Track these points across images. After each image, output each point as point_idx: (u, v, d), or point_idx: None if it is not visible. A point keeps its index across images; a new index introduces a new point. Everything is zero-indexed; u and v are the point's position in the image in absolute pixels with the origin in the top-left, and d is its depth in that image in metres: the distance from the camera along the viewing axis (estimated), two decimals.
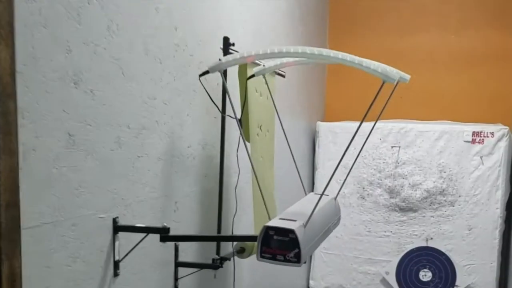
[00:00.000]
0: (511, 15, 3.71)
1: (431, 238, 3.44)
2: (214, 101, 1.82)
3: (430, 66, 3.84)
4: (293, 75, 3.05)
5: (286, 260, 1.05)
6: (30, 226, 1.11)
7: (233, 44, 1.80)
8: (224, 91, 1.82)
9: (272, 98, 1.65)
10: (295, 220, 1.06)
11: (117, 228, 1.40)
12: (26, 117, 1.10)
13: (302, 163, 3.49)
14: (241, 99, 1.83)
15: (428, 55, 3.86)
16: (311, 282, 3.69)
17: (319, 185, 3.61)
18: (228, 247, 1.95)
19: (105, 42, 1.35)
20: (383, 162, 3.47)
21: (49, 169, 1.17)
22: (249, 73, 1.85)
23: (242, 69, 1.81)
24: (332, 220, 1.36)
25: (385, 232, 3.52)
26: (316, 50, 1.12)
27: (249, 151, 1.90)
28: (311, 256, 3.69)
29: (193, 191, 1.88)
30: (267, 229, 1.05)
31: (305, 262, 1.07)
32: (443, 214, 3.40)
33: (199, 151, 1.91)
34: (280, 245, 1.04)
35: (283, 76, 2.21)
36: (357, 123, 3.68)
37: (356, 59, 1.10)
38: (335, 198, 1.50)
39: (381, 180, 3.48)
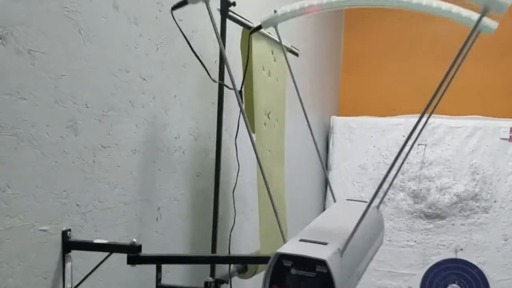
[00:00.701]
0: None
1: (461, 249, 3.09)
2: (211, 77, 1.42)
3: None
4: (305, 63, 2.67)
5: None
6: None
7: (234, 4, 1.40)
8: (222, 59, 1.42)
9: (290, 71, 1.24)
10: (325, 244, 0.65)
11: (69, 244, 1.01)
12: None
13: (313, 162, 3.09)
14: (243, 65, 1.45)
15: (457, 42, 3.45)
16: None
17: (333, 188, 3.21)
18: (226, 266, 1.55)
19: None
20: (407, 163, 3.10)
21: None
22: (255, 47, 1.46)
23: (245, 37, 1.42)
24: (376, 241, 0.96)
25: (408, 241, 3.17)
26: None
27: (254, 143, 1.51)
28: None
29: (182, 194, 1.49)
30: (281, 258, 0.65)
31: None
32: (475, 222, 3.05)
33: (191, 144, 1.52)
34: (301, 283, 0.64)
35: (296, 54, 1.82)
36: (377, 119, 3.27)
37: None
38: (378, 207, 1.10)
39: (404, 182, 3.12)
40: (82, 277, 1.04)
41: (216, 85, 1.47)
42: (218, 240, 1.49)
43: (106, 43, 1.12)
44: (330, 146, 3.29)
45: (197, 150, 1.56)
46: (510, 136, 2.94)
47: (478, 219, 3.04)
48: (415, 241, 3.15)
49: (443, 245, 3.11)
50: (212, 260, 1.32)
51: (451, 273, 3.09)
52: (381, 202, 1.10)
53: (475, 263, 3.04)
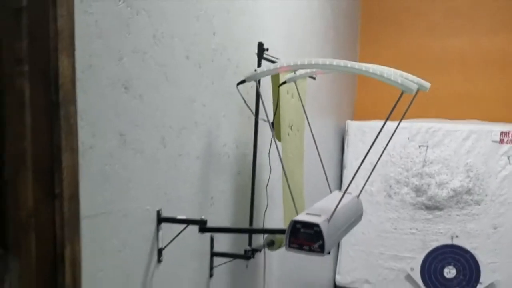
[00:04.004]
0: None
1: (457, 236, 3.50)
2: (248, 103, 1.94)
3: (460, 67, 3.92)
4: (324, 75, 3.15)
5: (311, 250, 1.16)
6: (87, 215, 1.25)
7: (267, 49, 1.91)
8: (258, 96, 1.93)
9: (302, 102, 1.76)
10: (319, 215, 1.17)
11: (161, 219, 1.54)
12: (84, 119, 1.24)
13: (330, 162, 3.58)
14: (273, 103, 1.95)
15: (459, 56, 3.93)
16: (337, 276, 3.80)
17: (348, 182, 3.71)
18: (259, 240, 2.07)
19: (151, 49, 1.49)
20: (411, 161, 3.55)
21: (103, 166, 1.30)
22: (281, 79, 1.97)
23: (275, 75, 1.92)
24: (354, 217, 1.47)
25: (411, 229, 3.60)
26: (342, 62, 1.23)
27: (280, 151, 2.02)
28: (337, 251, 3.79)
29: (227, 188, 2.01)
30: (295, 223, 1.17)
31: (328, 253, 1.17)
32: (469, 212, 3.46)
33: (234, 150, 2.04)
34: (306, 237, 1.15)
35: (313, 78, 2.31)
36: (388, 123, 3.76)
37: (378, 70, 1.21)
38: (358, 197, 1.61)
39: (408, 178, 3.56)
40: (168, 241, 1.57)
41: (253, 105, 1.98)
42: (254, 222, 2.01)
43: (181, 83, 1.64)
44: (345, 147, 3.77)
45: (238, 155, 2.07)
46: (500, 139, 3.37)
47: (471, 210, 3.43)
48: (416, 229, 3.56)
49: (441, 232, 3.52)
50: (253, 231, 1.84)
51: (447, 257, 3.50)
52: (360, 193, 1.60)
53: (468, 248, 3.44)
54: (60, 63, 1.15)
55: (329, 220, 1.17)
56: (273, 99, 1.94)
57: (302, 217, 1.18)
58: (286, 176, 1.41)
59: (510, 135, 3.37)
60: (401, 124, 3.69)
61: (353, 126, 3.75)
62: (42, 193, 1.16)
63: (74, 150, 1.20)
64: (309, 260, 3.24)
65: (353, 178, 1.39)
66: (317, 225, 1.14)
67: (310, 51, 2.95)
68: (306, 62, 1.27)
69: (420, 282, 3.57)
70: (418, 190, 3.55)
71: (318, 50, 3.14)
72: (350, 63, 1.21)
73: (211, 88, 1.83)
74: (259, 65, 1.93)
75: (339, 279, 3.78)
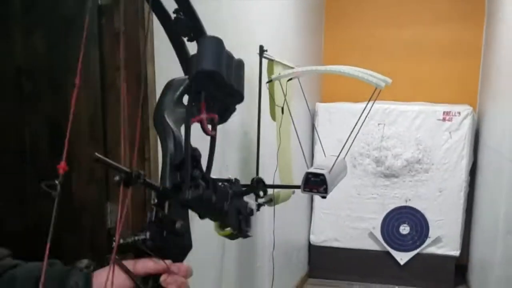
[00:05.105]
0: (478, 12, 4.40)
1: (410, 199, 4.12)
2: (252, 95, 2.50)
3: (411, 54, 4.53)
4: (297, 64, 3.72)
5: (318, 192, 1.74)
6: None
7: (266, 50, 2.47)
8: (260, 89, 2.50)
9: (303, 93, 2.34)
10: (323, 169, 1.74)
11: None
12: None
13: (303, 138, 4.18)
14: (270, 95, 2.52)
15: (410, 45, 4.56)
16: (311, 236, 4.41)
17: (318, 157, 4.31)
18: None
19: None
20: (371, 137, 4.13)
21: None
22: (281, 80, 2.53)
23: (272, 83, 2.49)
24: (343, 171, 2.06)
25: (372, 194, 4.20)
26: (336, 68, 1.81)
27: (276, 128, 2.59)
28: (311, 215, 4.41)
29: (236, 157, 2.57)
30: (307, 174, 1.74)
31: (324, 197, 1.76)
32: (419, 179, 4.08)
33: (239, 129, 2.60)
34: (315, 183, 1.72)
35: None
36: (350, 104, 4.34)
37: (360, 73, 1.79)
38: (344, 158, 2.20)
39: (369, 151, 4.15)
40: None
41: (255, 95, 2.55)
42: None
43: None
44: (315, 125, 4.36)
45: (242, 132, 2.64)
46: (443, 117, 4.01)
47: (421, 177, 4.05)
48: (377, 194, 4.17)
49: (397, 196, 4.13)
50: (275, 187, 2.41)
51: (402, 216, 4.12)
52: (345, 156, 2.19)
53: (419, 209, 4.07)
54: (148, 70, 1.70)
55: (330, 172, 1.74)
56: (270, 92, 2.51)
57: (311, 170, 1.75)
58: (301, 143, 1.97)
59: (451, 114, 3.99)
60: (363, 106, 4.34)
61: (321, 107, 4.33)
62: (137, 157, 1.71)
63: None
64: (292, 223, 3.85)
65: (344, 145, 1.98)
66: (322, 175, 1.70)
67: (289, 44, 3.53)
68: (314, 69, 1.84)
69: (381, 238, 4.19)
70: (377, 161, 4.12)
71: (294, 43, 3.72)
72: (343, 68, 1.79)
73: None
74: (260, 62, 2.49)
75: (313, 238, 4.40)
